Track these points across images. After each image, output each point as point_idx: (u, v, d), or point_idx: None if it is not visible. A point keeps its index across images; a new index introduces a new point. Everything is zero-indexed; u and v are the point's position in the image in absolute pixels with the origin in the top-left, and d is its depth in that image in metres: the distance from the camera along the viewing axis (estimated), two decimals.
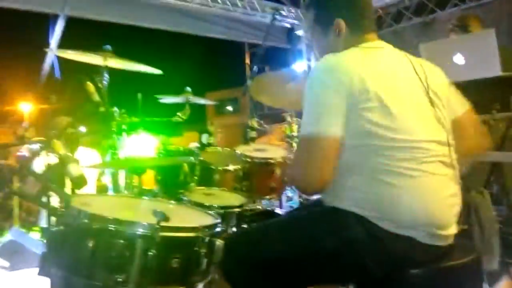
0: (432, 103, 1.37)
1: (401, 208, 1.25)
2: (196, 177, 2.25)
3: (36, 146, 1.69)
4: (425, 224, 1.27)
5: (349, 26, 1.46)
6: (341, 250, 1.28)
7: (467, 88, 2.46)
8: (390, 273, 1.30)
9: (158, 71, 2.50)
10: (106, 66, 2.23)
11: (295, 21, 7.47)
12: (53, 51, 2.46)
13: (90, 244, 1.18)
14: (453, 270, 1.36)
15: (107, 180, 2.29)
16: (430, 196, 1.28)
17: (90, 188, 2.35)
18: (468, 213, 2.61)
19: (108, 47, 2.21)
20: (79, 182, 1.31)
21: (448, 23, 3.19)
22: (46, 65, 2.72)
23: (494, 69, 2.28)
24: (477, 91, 2.38)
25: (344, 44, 1.43)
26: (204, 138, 2.58)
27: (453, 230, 1.34)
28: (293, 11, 7.34)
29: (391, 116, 1.26)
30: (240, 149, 2.50)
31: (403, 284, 1.31)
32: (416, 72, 1.39)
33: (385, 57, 1.42)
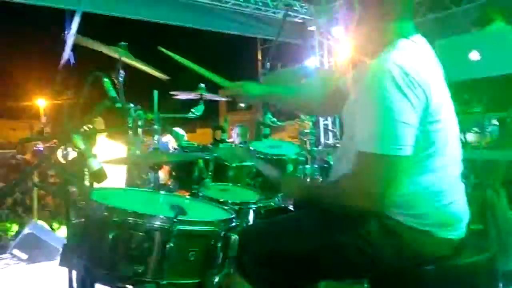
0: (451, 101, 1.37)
1: (420, 203, 1.28)
2: (210, 173, 2.28)
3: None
4: (442, 218, 1.30)
5: (382, 5, 1.35)
6: (357, 245, 1.30)
7: (483, 85, 2.45)
8: (404, 269, 1.31)
9: (165, 77, 2.52)
10: (122, 62, 2.27)
11: (308, 17, 7.44)
12: (70, 38, 2.50)
13: (110, 236, 1.22)
14: (468, 268, 1.37)
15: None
16: (448, 193, 1.32)
17: (119, 182, 2.39)
18: (484, 212, 2.60)
19: (123, 43, 2.25)
20: (99, 176, 1.34)
21: (464, 19, 3.15)
22: (64, 56, 2.78)
23: (511, 66, 2.26)
24: (493, 88, 2.37)
25: (374, 25, 1.36)
26: (218, 134, 2.61)
27: (465, 222, 1.37)
28: (305, 6, 7.30)
29: (441, 125, 1.27)
30: (254, 146, 2.52)
31: (417, 280, 1.32)
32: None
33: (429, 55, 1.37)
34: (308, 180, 2.70)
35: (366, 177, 1.23)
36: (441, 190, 1.31)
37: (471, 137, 2.86)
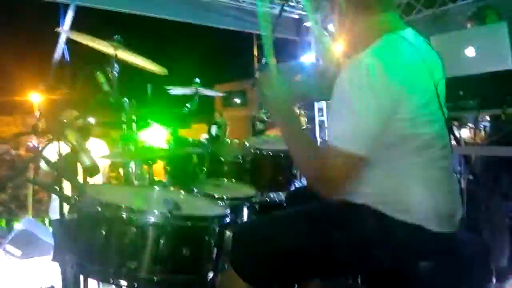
0: (437, 93, 1.36)
1: (412, 199, 1.29)
2: (205, 169, 2.27)
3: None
4: (434, 212, 1.30)
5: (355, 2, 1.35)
6: (352, 242, 1.30)
7: (478, 81, 2.45)
8: (399, 265, 1.31)
9: (163, 71, 2.49)
10: (116, 56, 2.24)
11: (304, 12, 7.42)
12: (64, 34, 2.48)
13: (103, 231, 1.21)
14: (462, 262, 1.38)
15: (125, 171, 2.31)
16: (438, 186, 1.32)
17: (99, 179, 2.38)
18: (478, 209, 2.61)
19: (118, 37, 2.22)
20: (92, 170, 1.33)
21: (461, 15, 3.16)
22: (58, 51, 2.75)
23: (506, 62, 2.26)
24: (488, 85, 2.37)
25: (355, 22, 1.36)
26: (213, 129, 2.59)
27: (458, 216, 1.38)
28: (301, 2, 7.28)
29: (425, 121, 1.27)
30: (249, 141, 2.51)
31: (412, 276, 1.32)
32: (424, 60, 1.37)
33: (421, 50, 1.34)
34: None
35: (328, 167, 1.26)
36: (432, 184, 1.31)
37: (465, 133, 2.87)
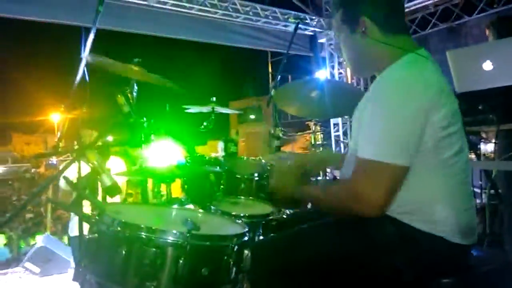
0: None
1: (437, 210, 1.28)
2: (222, 186, 2.27)
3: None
4: (457, 224, 1.30)
5: (378, 25, 1.39)
6: (373, 254, 1.29)
7: (496, 95, 2.41)
8: (422, 275, 1.29)
9: (182, 89, 2.54)
10: (136, 79, 2.29)
11: (318, 29, 7.48)
12: (85, 58, 2.55)
13: (123, 251, 1.21)
14: (484, 278, 1.35)
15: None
16: (460, 199, 1.33)
17: (116, 197, 2.42)
18: (501, 222, 2.55)
19: (137, 59, 2.28)
20: (113, 190, 1.35)
21: (476, 28, 3.14)
22: (78, 74, 2.82)
23: None
24: (507, 98, 2.33)
25: (375, 45, 1.39)
26: (228, 147, 2.61)
27: (476, 229, 1.38)
28: (315, 19, 7.35)
29: (452, 132, 1.29)
30: (265, 158, 2.51)
31: (433, 287, 1.29)
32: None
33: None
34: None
35: (365, 182, 1.24)
36: (456, 196, 1.32)
37: (485, 147, 2.82)
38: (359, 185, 1.25)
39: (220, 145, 4.55)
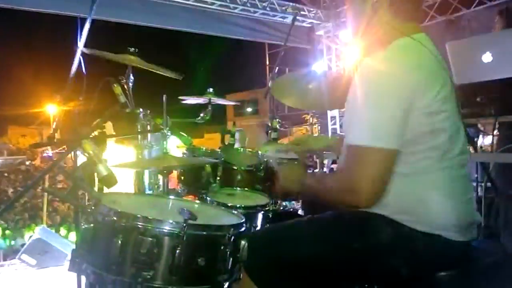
0: (458, 102, 1.35)
1: (432, 208, 1.26)
2: (218, 178, 2.26)
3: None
4: (454, 221, 1.28)
5: (391, 5, 1.33)
6: (369, 252, 1.28)
7: (495, 87, 2.41)
8: (418, 276, 1.28)
9: (179, 76, 2.52)
10: (131, 68, 2.27)
11: (316, 21, 7.45)
12: (80, 50, 2.53)
13: (119, 241, 1.21)
14: (481, 273, 1.35)
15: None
16: (458, 194, 1.30)
17: (128, 188, 2.40)
18: (497, 215, 2.55)
19: (133, 49, 2.25)
20: (109, 181, 1.34)
21: (475, 21, 3.13)
22: (74, 65, 2.79)
23: None
24: (506, 91, 2.33)
25: (380, 25, 1.35)
26: (227, 139, 2.60)
27: (476, 224, 1.35)
28: (313, 11, 7.31)
29: (443, 122, 1.25)
30: (262, 150, 2.50)
31: (430, 285, 1.29)
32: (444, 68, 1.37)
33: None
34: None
35: (353, 170, 1.22)
36: (451, 192, 1.29)
37: (483, 140, 2.82)
38: (349, 172, 1.24)
39: (227, 138, 4.53)
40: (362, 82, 1.25)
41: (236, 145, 4.02)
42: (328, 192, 1.33)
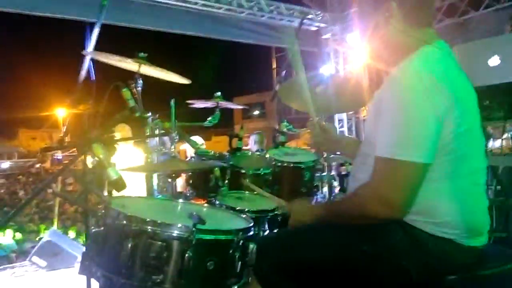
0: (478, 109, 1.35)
1: (444, 214, 1.26)
2: (227, 181, 2.27)
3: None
4: (466, 226, 1.28)
5: (403, 14, 1.31)
6: (381, 255, 1.28)
7: (504, 90, 2.39)
8: (428, 279, 1.28)
9: (187, 81, 2.55)
10: (140, 73, 2.30)
11: (323, 25, 7.44)
12: (90, 55, 2.57)
13: (129, 244, 1.22)
14: (493, 277, 1.33)
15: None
16: (470, 204, 1.30)
17: (139, 191, 2.41)
18: (507, 220, 2.53)
19: (142, 54, 2.28)
20: (118, 184, 1.35)
21: (484, 24, 3.11)
22: (83, 70, 2.83)
23: None
24: None
25: (395, 35, 1.34)
26: (234, 142, 2.61)
27: (487, 229, 1.35)
28: (320, 14, 7.31)
29: (466, 130, 1.25)
30: (270, 153, 2.51)
31: None
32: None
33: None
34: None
35: (385, 183, 1.22)
36: (466, 198, 1.29)
37: (492, 143, 2.80)
38: (381, 185, 1.23)
39: (253, 138, 4.55)
40: (394, 93, 1.25)
41: (255, 148, 4.03)
42: (357, 206, 1.30)
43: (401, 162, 1.19)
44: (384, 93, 1.30)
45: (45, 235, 4.19)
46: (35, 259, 3.83)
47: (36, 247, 3.97)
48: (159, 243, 1.21)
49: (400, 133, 1.20)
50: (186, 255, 1.19)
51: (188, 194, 2.41)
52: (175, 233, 1.22)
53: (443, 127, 1.20)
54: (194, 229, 1.20)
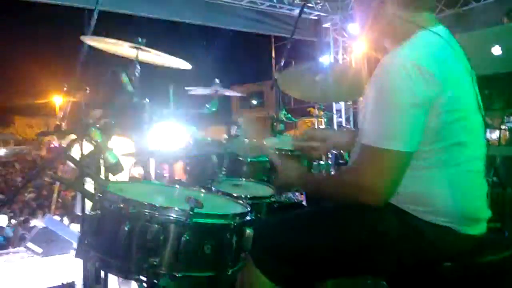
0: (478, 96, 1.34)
1: (440, 200, 1.26)
2: (224, 168, 2.27)
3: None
4: (463, 214, 1.27)
5: None
6: (375, 242, 1.28)
7: (504, 80, 2.38)
8: (424, 266, 1.28)
9: (187, 66, 2.53)
10: (138, 58, 2.27)
11: (323, 14, 7.39)
12: (88, 41, 2.54)
13: (126, 228, 1.22)
14: (488, 266, 1.34)
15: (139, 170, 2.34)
16: (468, 190, 1.29)
17: (123, 177, 2.41)
18: (503, 210, 2.54)
19: (140, 39, 2.25)
20: (115, 168, 1.35)
21: (484, 14, 3.09)
22: (81, 56, 2.80)
23: None
24: None
25: (391, 19, 1.32)
26: (233, 130, 2.60)
27: (486, 219, 1.35)
28: (320, 3, 7.26)
29: (459, 117, 1.24)
30: (268, 141, 2.50)
31: (436, 278, 1.29)
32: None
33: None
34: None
35: (368, 170, 1.23)
36: (460, 185, 1.28)
37: (490, 133, 2.80)
38: (362, 172, 1.24)
39: (233, 128, 4.51)
40: (380, 80, 1.24)
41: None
42: (336, 187, 1.34)
43: (382, 150, 1.19)
44: (372, 80, 1.29)
45: (41, 222, 4.19)
46: (30, 245, 3.84)
47: (32, 233, 3.98)
48: (156, 226, 1.20)
49: (381, 121, 1.21)
50: (183, 238, 1.19)
51: (185, 181, 2.40)
52: (172, 216, 1.22)
53: (430, 115, 1.19)
54: (191, 212, 1.19)
